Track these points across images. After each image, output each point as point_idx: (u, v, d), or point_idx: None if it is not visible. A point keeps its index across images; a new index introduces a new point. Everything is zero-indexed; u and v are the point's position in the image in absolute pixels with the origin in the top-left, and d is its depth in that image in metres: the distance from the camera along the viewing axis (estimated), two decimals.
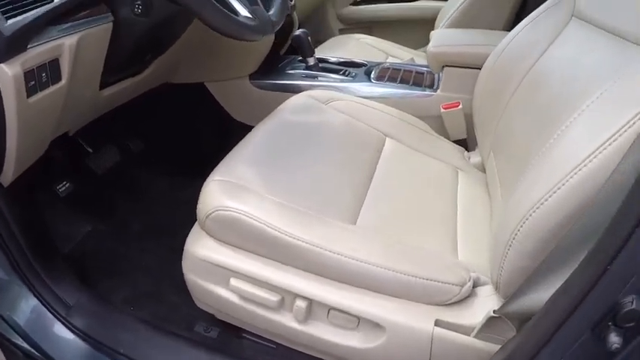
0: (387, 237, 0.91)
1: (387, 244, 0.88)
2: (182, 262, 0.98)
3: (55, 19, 0.97)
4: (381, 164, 1.16)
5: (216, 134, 1.76)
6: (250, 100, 1.65)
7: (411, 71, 1.64)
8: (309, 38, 1.62)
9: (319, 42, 2.38)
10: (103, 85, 1.23)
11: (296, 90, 1.50)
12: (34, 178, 1.18)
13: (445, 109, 1.39)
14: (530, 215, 0.68)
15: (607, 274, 0.52)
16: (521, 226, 0.69)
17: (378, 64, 1.72)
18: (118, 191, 1.65)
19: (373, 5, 2.72)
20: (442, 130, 1.42)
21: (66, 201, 1.48)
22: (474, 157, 1.31)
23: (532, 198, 0.69)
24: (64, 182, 1.49)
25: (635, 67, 0.73)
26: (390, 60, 2.14)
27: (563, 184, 0.65)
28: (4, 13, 0.88)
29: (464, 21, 1.92)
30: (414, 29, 2.58)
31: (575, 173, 0.64)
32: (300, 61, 1.70)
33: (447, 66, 1.43)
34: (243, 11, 1.04)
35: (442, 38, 1.51)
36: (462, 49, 1.43)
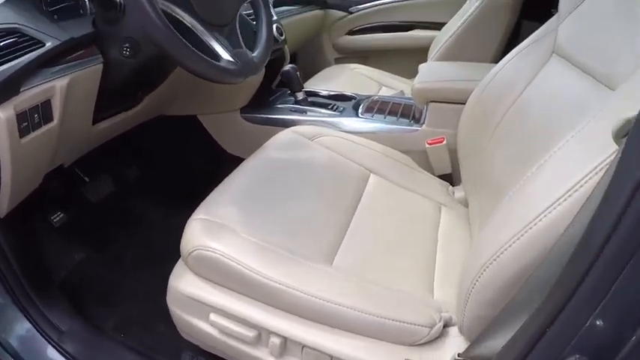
0: (359, 278, 0.93)
1: (359, 286, 0.90)
2: (167, 295, 1.01)
3: (47, 62, 1.01)
4: (363, 201, 1.18)
5: (209, 165, 1.80)
6: (241, 133, 1.69)
7: (400, 104, 1.68)
8: (298, 73, 1.66)
9: (315, 71, 2.44)
10: (96, 120, 1.27)
11: (285, 124, 1.54)
12: (29, 208, 1.21)
13: (430, 144, 1.42)
14: (488, 267, 0.70)
15: (550, 332, 0.54)
16: (480, 276, 0.71)
17: (367, 97, 1.75)
18: (113, 220, 1.69)
19: (368, 35, 2.75)
20: (427, 165, 1.45)
21: (60, 231, 1.52)
22: (458, 192, 1.33)
23: (493, 246, 0.71)
24: (59, 213, 1.52)
25: (604, 111, 0.73)
26: (384, 90, 2.18)
27: (522, 235, 0.67)
28: None
29: (452, 53, 1.96)
30: (409, 58, 2.61)
31: (531, 228, 0.66)
32: (290, 94, 1.73)
33: (431, 101, 1.46)
34: (226, 55, 1.08)
35: (427, 74, 1.54)
36: (446, 85, 1.46)
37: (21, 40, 0.98)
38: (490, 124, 1.17)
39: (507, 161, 1.02)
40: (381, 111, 1.62)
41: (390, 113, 1.61)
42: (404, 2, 2.68)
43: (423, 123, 1.50)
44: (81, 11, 1.14)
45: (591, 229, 0.50)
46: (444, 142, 1.41)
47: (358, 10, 2.74)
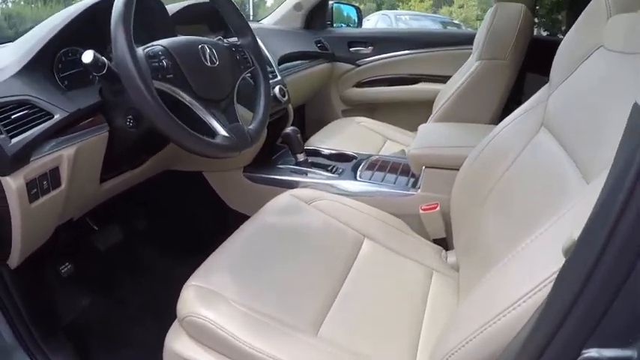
0: (342, 348, 0.97)
1: (340, 357, 0.94)
2: (163, 353, 1.06)
3: (56, 132, 1.08)
4: (355, 266, 1.22)
5: (214, 219, 1.86)
6: (244, 191, 1.75)
7: (399, 163, 1.73)
8: (299, 136, 1.71)
9: (323, 121, 2.51)
10: (103, 179, 1.33)
11: (285, 185, 1.60)
12: (38, 259, 1.26)
13: (423, 210, 1.46)
14: (454, 353, 0.74)
15: None
16: None
17: (368, 156, 1.81)
18: (120, 268, 1.75)
19: (375, 88, 2.81)
20: (422, 229, 1.48)
21: (68, 280, 1.57)
22: (452, 257, 1.35)
23: (459, 334, 0.73)
24: (67, 264, 1.58)
25: (572, 211, 0.71)
26: (388, 144, 2.24)
27: (481, 332, 0.69)
28: (8, 132, 0.99)
29: (452, 113, 2.00)
30: (415, 110, 2.67)
31: (490, 325, 0.67)
32: (292, 154, 1.79)
33: (427, 167, 1.51)
34: (221, 131, 1.14)
35: (423, 139, 1.59)
36: (441, 152, 1.50)
37: (31, 111, 1.05)
38: (481, 192, 1.20)
39: (496, 233, 1.05)
40: (381, 169, 1.68)
41: (391, 171, 1.66)
42: (409, 56, 2.75)
43: (419, 187, 1.54)
44: (90, 77, 1.22)
45: (529, 340, 0.54)
46: (438, 208, 1.44)
47: (365, 63, 2.81)
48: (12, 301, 1.20)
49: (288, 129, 1.72)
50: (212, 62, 1.20)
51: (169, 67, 1.10)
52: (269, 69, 1.89)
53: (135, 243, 1.85)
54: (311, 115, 2.87)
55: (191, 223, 1.93)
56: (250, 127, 1.26)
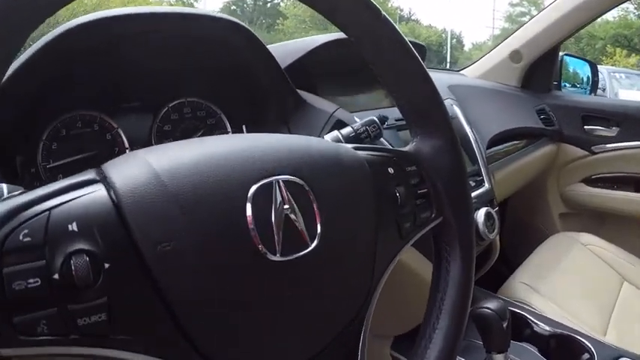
0: None
1: None
2: None
3: None
4: None
5: None
6: None
7: None
8: (505, 324, 0.90)
9: (530, 228, 1.92)
10: None
11: None
12: None
13: None
14: None
15: None
16: None
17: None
18: None
19: (612, 191, 1.92)
20: None
21: None
22: None
23: None
24: None
25: None
26: (626, 290, 1.44)
27: None
28: None
29: None
30: None
31: None
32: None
33: None
34: None
35: None
36: None
37: None
38: None
39: None
40: None
41: None
42: None
43: None
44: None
45: None
46: None
47: (605, 151, 1.91)
48: None
49: (489, 306, 0.84)
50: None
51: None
52: (472, 167, 1.19)
53: None
54: (513, 214, 2.07)
55: None
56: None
